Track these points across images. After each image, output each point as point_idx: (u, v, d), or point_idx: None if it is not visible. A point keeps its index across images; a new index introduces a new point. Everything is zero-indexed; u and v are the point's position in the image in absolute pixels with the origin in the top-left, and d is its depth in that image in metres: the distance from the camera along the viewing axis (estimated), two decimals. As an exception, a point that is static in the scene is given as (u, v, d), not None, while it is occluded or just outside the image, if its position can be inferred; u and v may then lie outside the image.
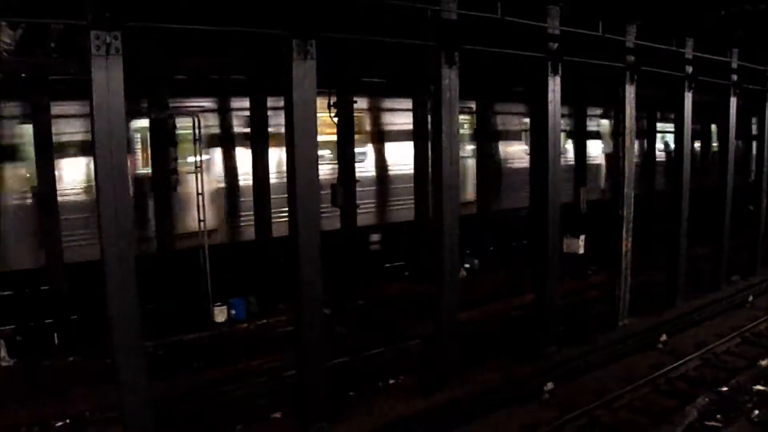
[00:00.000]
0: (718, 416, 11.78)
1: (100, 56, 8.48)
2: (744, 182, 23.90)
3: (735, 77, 19.21)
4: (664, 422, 11.56)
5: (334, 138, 18.82)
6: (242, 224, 18.52)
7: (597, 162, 28.42)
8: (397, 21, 11.45)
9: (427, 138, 18.35)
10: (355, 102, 19.20)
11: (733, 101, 19.54)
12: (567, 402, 12.28)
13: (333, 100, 18.24)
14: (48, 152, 15.24)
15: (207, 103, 17.74)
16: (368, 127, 21.06)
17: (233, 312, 16.97)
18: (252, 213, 18.42)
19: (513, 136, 25.34)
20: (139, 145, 16.88)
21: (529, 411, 12.04)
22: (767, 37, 18.24)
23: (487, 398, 12.24)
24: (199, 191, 16.89)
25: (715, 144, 30.05)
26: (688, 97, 17.64)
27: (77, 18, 8.55)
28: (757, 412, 11.84)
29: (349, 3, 10.57)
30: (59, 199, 15.51)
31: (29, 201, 15.53)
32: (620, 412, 12.16)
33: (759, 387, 13.01)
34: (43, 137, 15.10)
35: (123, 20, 8.58)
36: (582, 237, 23.85)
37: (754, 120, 25.40)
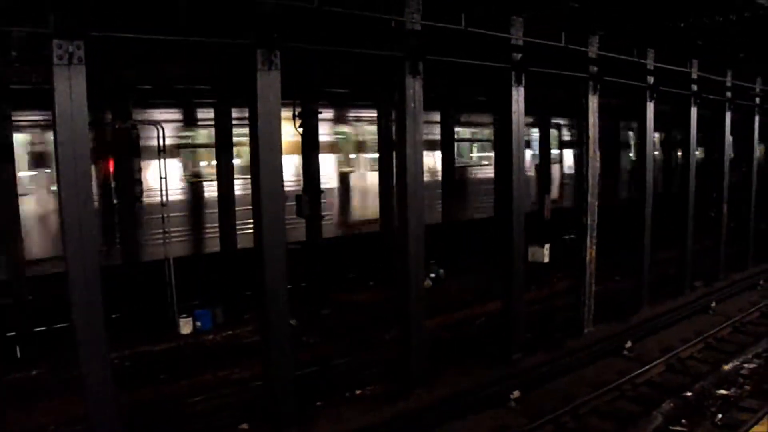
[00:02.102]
0: (683, 421, 11.91)
1: (62, 65, 8.39)
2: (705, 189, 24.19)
3: (695, 87, 19.54)
4: (630, 427, 11.67)
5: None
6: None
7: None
8: (362, 31, 11.49)
9: (391, 148, 18.41)
10: (320, 112, 19.23)
11: (694, 111, 19.88)
12: (533, 408, 12.31)
13: (298, 110, 18.28)
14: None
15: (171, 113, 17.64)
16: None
17: (199, 323, 16.81)
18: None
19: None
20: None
21: (496, 418, 12.06)
22: (726, 48, 18.61)
23: (454, 406, 12.23)
24: (163, 202, 16.81)
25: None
26: (650, 107, 17.91)
27: (40, 26, 8.46)
28: (720, 415, 11.98)
29: (313, 13, 10.57)
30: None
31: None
32: (586, 418, 12.22)
33: (722, 391, 13.20)
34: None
35: (86, 29, 8.51)
36: (547, 246, 24.08)
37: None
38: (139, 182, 16.80)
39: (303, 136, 18.73)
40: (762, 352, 15.48)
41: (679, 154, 30.36)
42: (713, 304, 19.39)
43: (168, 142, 17.02)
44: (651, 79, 17.66)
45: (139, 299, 16.61)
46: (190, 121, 18.08)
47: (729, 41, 17.69)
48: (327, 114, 20.12)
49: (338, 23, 11.10)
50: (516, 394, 12.75)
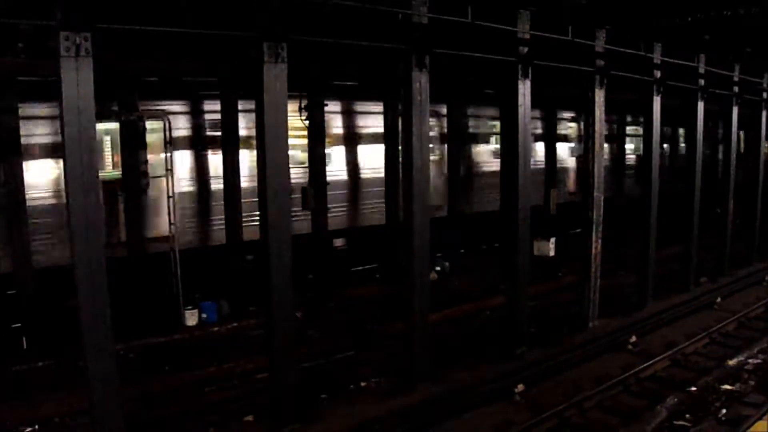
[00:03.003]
0: (687, 416, 11.90)
1: (69, 57, 8.40)
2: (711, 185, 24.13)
3: (702, 82, 19.47)
4: (634, 422, 11.68)
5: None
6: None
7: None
8: (368, 24, 11.46)
9: (397, 140, 18.42)
10: (326, 105, 19.19)
11: (701, 105, 19.77)
12: (538, 402, 12.33)
13: (304, 103, 18.27)
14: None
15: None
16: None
17: (204, 315, 16.82)
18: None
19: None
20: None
21: (500, 411, 12.07)
22: (733, 42, 18.54)
23: (458, 399, 12.26)
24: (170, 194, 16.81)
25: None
26: (657, 101, 17.83)
27: (47, 18, 8.47)
28: (724, 411, 11.97)
29: (320, 6, 10.57)
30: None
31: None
32: (590, 412, 12.23)
33: (727, 386, 13.18)
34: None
35: (93, 21, 8.52)
36: (552, 240, 24.05)
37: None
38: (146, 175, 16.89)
39: (309, 128, 18.70)
40: (767, 348, 15.46)
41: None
42: (718, 300, 19.34)
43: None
44: (658, 74, 17.60)
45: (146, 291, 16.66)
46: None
47: (736, 35, 17.62)
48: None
49: (345, 16, 11.08)
50: (520, 387, 12.75)
